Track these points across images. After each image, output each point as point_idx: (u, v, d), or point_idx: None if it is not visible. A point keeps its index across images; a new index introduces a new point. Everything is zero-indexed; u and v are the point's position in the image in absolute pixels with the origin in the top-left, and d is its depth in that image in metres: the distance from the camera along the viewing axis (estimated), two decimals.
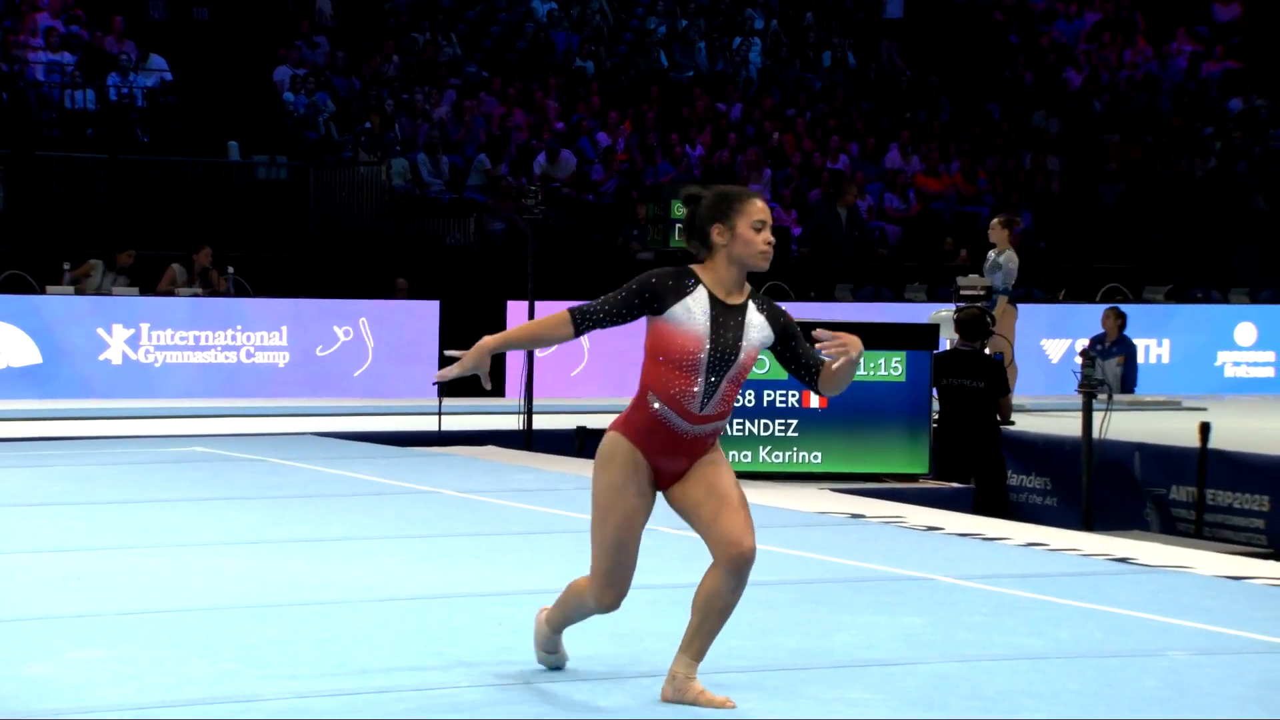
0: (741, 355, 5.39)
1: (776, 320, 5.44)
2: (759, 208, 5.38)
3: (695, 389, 5.39)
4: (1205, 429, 12.58)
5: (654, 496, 5.54)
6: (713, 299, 5.40)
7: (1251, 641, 6.68)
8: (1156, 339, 18.97)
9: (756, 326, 5.42)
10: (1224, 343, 19.23)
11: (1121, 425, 12.94)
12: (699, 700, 5.38)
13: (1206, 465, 12.49)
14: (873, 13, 25.32)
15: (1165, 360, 18.89)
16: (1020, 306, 16.00)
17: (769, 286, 19.17)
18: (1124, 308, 18.02)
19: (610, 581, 5.52)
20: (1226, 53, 25.52)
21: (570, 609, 5.68)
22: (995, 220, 16.04)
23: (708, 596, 5.41)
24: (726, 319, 5.39)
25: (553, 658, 5.84)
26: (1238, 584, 8.06)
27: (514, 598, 7.25)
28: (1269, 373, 19.19)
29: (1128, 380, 17.21)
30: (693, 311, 5.39)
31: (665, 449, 5.45)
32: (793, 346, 5.46)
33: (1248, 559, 9.65)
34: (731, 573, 5.37)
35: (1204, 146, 23.71)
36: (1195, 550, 9.86)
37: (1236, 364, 19.22)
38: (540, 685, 5.73)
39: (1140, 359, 18.17)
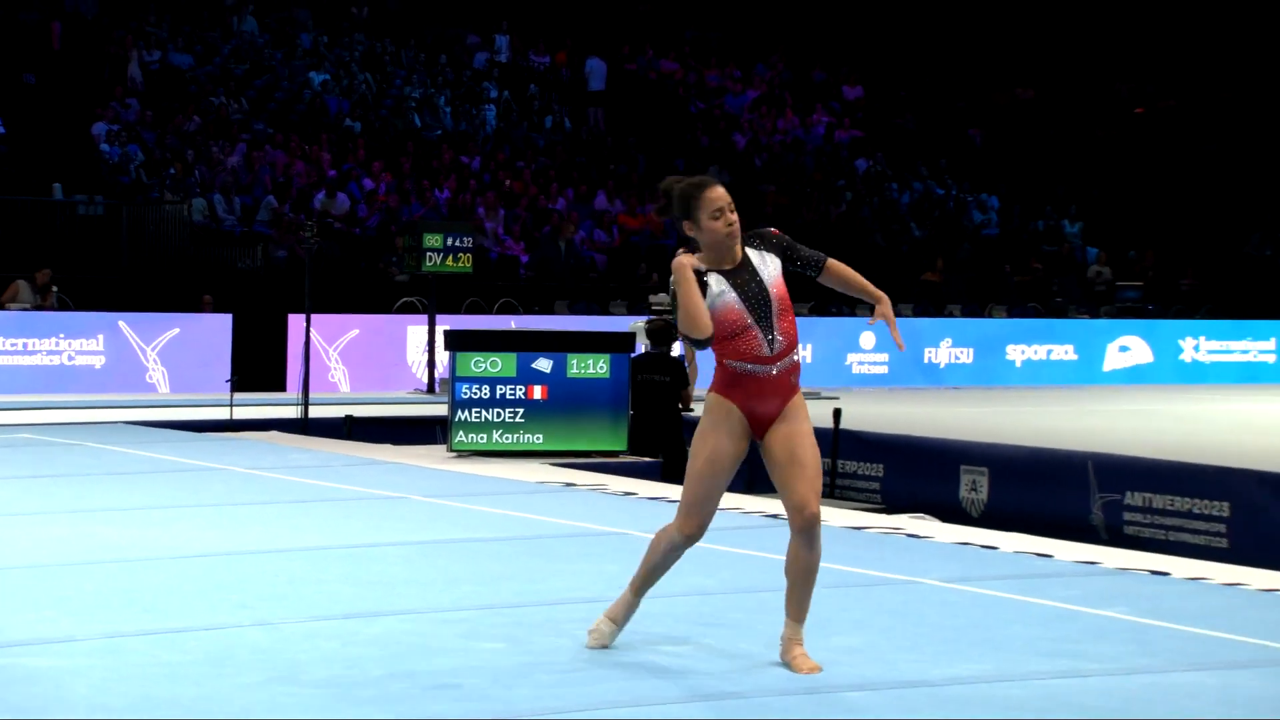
0: (772, 292, 5.05)
1: (773, 246, 5.12)
2: (713, 197, 5.05)
3: (758, 338, 5.04)
4: (838, 413, 12.87)
5: (746, 441, 5.11)
6: (722, 273, 5.08)
7: (868, 577, 6.82)
8: (802, 343, 19.29)
9: (765, 263, 5.08)
10: (852, 347, 19.71)
11: None
12: (792, 663, 5.02)
13: (839, 441, 12.78)
14: (581, 85, 25.40)
15: (809, 360, 19.30)
16: None
17: (502, 303, 19.11)
18: None
19: (692, 511, 5.14)
20: (853, 123, 26.20)
21: (654, 560, 5.25)
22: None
23: (791, 562, 5.11)
24: (741, 278, 5.07)
25: (611, 630, 5.28)
26: (858, 532, 8.25)
27: (290, 553, 7.11)
28: (884, 370, 19.73)
29: None
30: (718, 290, 5.08)
31: (754, 394, 5.04)
32: (793, 255, 5.12)
33: (868, 513, 9.89)
34: (802, 534, 5.07)
35: (837, 196, 24.28)
36: (829, 508, 10.05)
37: (861, 363, 19.72)
38: (316, 625, 5.61)
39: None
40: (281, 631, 5.47)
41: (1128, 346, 20.64)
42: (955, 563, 7.23)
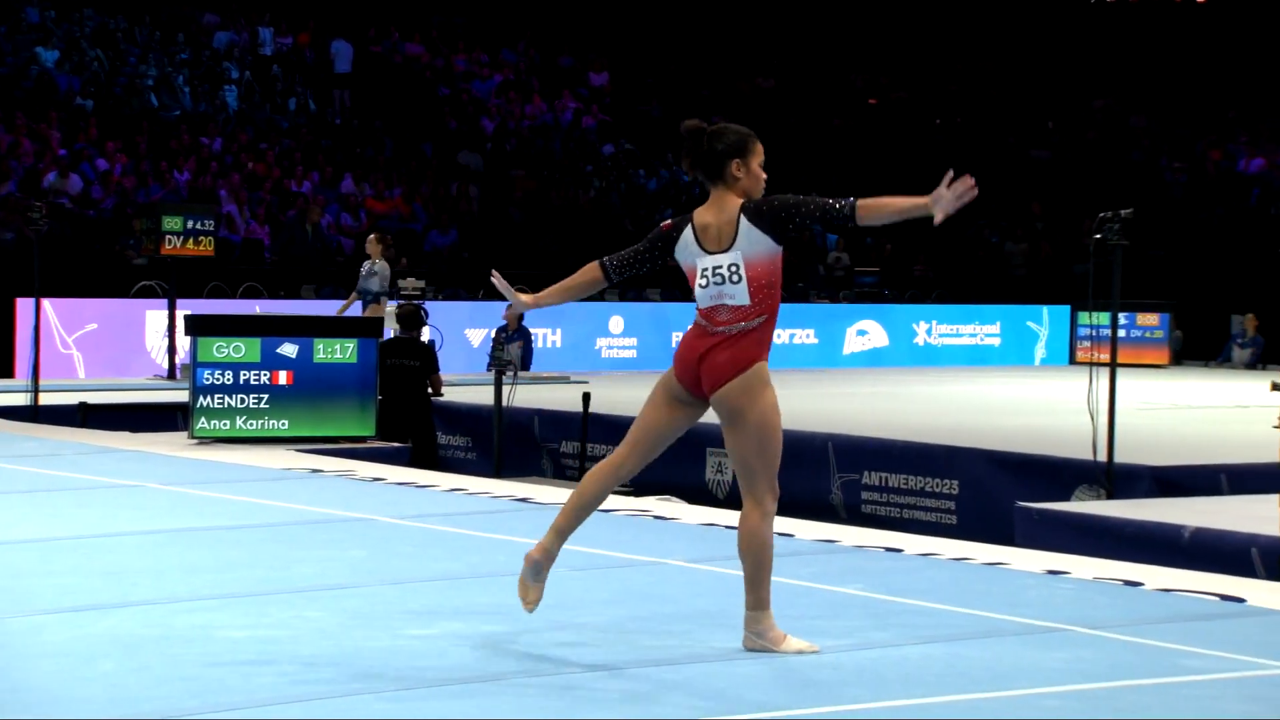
0: (727, 265, 4.95)
1: (763, 219, 4.96)
2: (761, 149, 5.09)
3: (703, 305, 5.02)
4: (587, 397, 12.93)
5: (686, 403, 5.21)
6: (695, 230, 5.03)
7: (614, 559, 6.89)
8: (551, 328, 19.39)
9: (746, 237, 4.95)
10: (601, 331, 19.83)
11: (524, 395, 13.18)
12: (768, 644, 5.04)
13: (588, 424, 12.85)
14: (327, 67, 24.95)
15: (558, 345, 19.36)
16: (449, 303, 16.07)
17: (246, 287, 18.66)
18: None
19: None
20: (600, 109, 26.36)
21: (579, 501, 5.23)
22: (372, 236, 15.99)
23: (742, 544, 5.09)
24: (710, 241, 5.00)
25: (536, 585, 5.15)
26: (605, 515, 8.29)
27: (15, 545, 6.82)
28: (633, 354, 19.92)
29: (526, 360, 17.56)
30: (687, 247, 5.04)
31: (684, 354, 5.11)
32: (797, 219, 4.95)
33: (617, 495, 9.94)
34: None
35: (586, 181, 24.39)
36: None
37: (610, 348, 19.87)
38: (43, 620, 5.38)
39: (537, 344, 18.57)
40: (4, 626, 5.24)
41: (865, 330, 21.26)
42: (700, 543, 7.35)
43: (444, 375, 13.84)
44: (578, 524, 5.22)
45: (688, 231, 5.08)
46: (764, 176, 5.10)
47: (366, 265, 15.47)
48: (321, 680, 4.63)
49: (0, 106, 20.97)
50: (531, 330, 18.05)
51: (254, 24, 24.90)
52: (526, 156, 24.58)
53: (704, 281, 5.04)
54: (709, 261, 5.03)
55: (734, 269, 4.99)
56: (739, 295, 4.98)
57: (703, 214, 5.09)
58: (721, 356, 5.02)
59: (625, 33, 28.41)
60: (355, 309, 15.78)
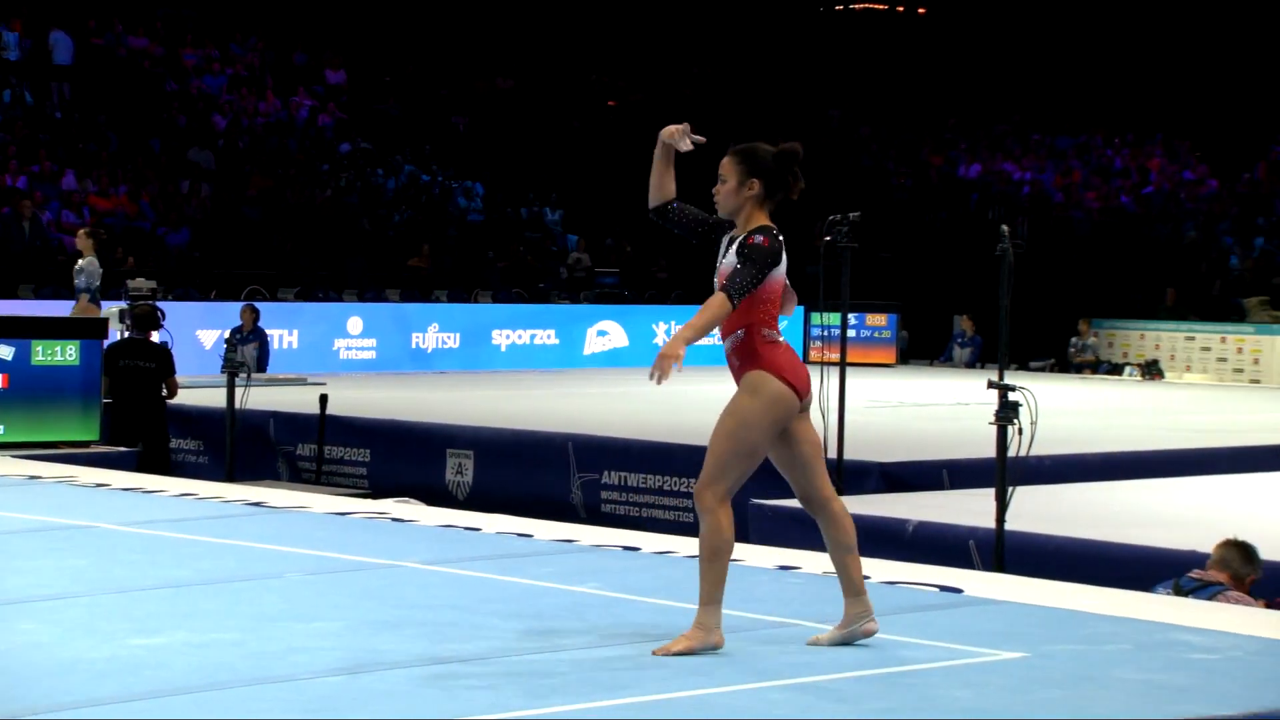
0: (716, 277, 5.09)
1: (740, 243, 5.11)
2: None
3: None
4: (324, 399, 12.74)
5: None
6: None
7: (350, 562, 6.79)
8: (288, 329, 19.04)
9: (727, 251, 5.13)
10: (339, 332, 19.54)
11: (260, 398, 12.92)
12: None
13: (325, 427, 12.66)
14: (44, 58, 23.96)
15: (295, 346, 19.01)
16: (180, 304, 15.65)
17: None
18: (261, 305, 17.99)
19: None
20: (337, 107, 25.96)
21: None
22: (81, 231, 15.51)
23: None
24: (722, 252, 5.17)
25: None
26: (342, 518, 8.19)
27: None
28: (372, 355, 19.68)
29: (262, 362, 17.22)
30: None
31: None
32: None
33: (354, 498, 9.84)
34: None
35: (323, 180, 24.00)
36: (315, 494, 9.96)
37: (349, 349, 19.59)
38: None
39: (275, 345, 18.21)
40: None
41: (606, 331, 21.44)
42: (438, 545, 7.30)
43: (176, 378, 13.45)
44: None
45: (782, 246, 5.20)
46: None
47: (80, 263, 14.96)
48: (30, 694, 4.45)
49: None
50: (268, 331, 17.69)
51: None
52: (260, 154, 24.05)
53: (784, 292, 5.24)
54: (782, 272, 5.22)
55: None
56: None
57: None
58: None
59: (362, 31, 28.06)
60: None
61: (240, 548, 7.05)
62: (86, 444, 11.11)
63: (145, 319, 12.77)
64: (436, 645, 5.17)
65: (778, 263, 5.10)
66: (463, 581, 6.37)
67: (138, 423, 12.21)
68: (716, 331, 5.20)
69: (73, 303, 15.67)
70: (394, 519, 8.16)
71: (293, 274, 21.41)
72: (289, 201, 23.17)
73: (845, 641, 5.17)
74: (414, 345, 19.94)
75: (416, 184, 24.89)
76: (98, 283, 14.82)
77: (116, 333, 13.13)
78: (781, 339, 5.17)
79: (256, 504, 8.59)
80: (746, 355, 5.09)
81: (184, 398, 13.95)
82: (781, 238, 5.13)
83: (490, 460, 11.89)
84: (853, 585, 5.19)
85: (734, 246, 5.11)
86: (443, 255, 23.11)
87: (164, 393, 12.65)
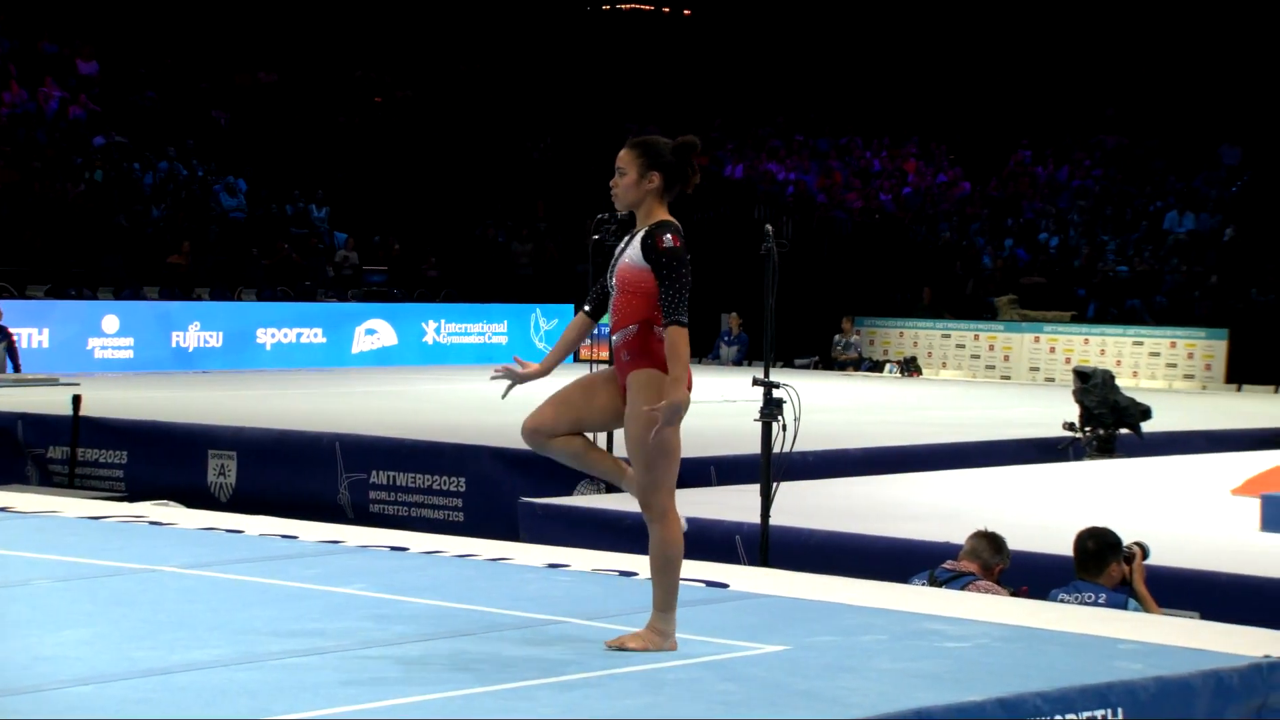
0: (615, 270, 5.05)
1: (647, 250, 5.00)
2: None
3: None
4: (77, 400, 12.34)
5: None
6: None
7: (103, 567, 6.59)
8: (38, 328, 18.38)
9: (631, 245, 5.05)
10: (94, 331, 18.95)
11: (8, 399, 12.44)
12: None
13: (79, 428, 12.26)
14: None
15: (46, 345, 18.34)
16: None
17: None
18: (9, 303, 17.33)
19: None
20: (90, 99, 25.12)
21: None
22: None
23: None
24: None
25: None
26: (96, 522, 7.94)
27: None
28: (129, 354, 19.11)
29: (15, 362, 16.60)
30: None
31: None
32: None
33: (110, 502, 9.55)
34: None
35: (77, 173, 23.19)
36: (67, 498, 9.62)
37: (104, 348, 19.00)
38: None
39: (23, 344, 17.56)
40: None
41: (374, 329, 21.21)
42: (198, 548, 7.12)
43: None
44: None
45: None
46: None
47: None
48: None
49: None
50: (12, 330, 17.03)
51: None
52: (5, 146, 23.12)
53: None
54: None
55: None
56: None
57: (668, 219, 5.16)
58: None
59: (115, 21, 27.20)
60: None
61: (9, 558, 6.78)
62: None
63: None
64: (194, 651, 5.04)
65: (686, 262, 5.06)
66: (224, 585, 6.23)
67: None
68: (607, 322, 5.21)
69: None
70: (152, 522, 7.93)
71: (43, 271, 20.66)
72: (38, 195, 22.33)
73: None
74: (175, 344, 19.43)
75: (176, 179, 24.24)
76: None
77: None
78: None
79: (3, 509, 8.26)
80: (639, 351, 5.04)
81: None
82: (684, 242, 5.07)
83: (254, 461, 11.65)
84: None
85: (636, 242, 5.06)
86: (204, 252, 22.56)
87: None
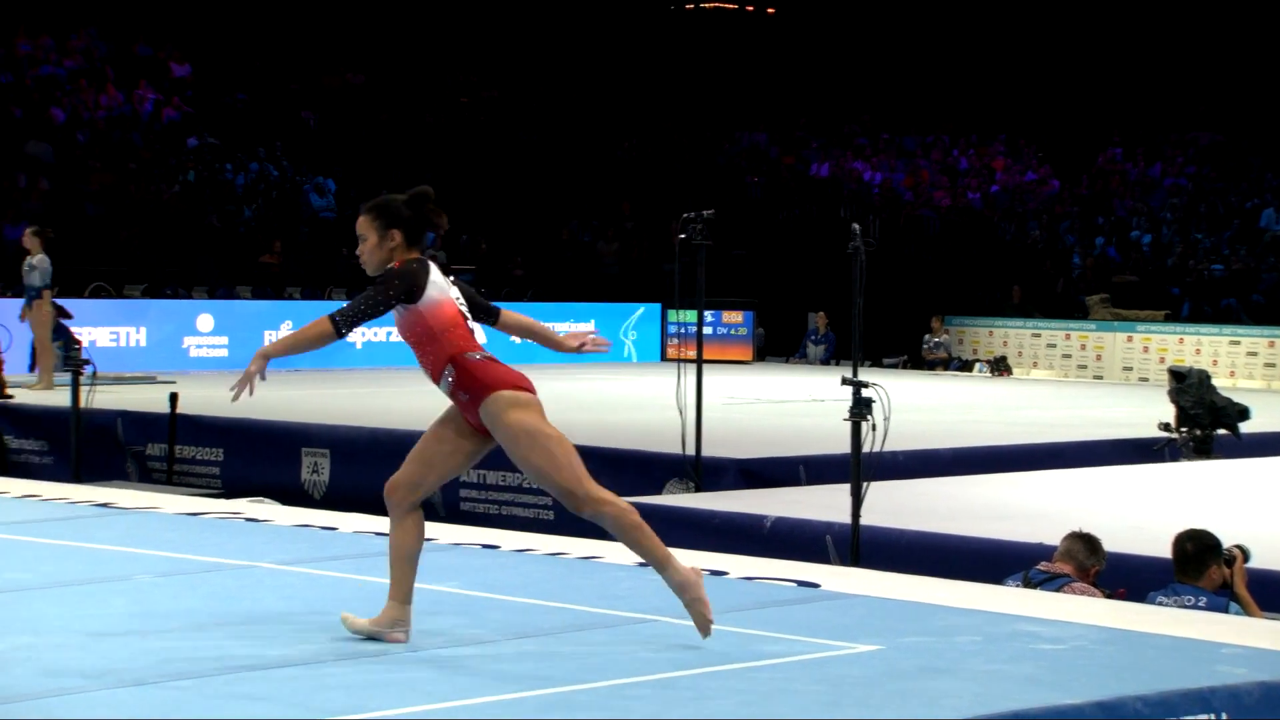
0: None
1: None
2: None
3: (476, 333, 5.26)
4: (174, 397, 12.52)
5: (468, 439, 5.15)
6: (438, 267, 5.17)
7: (202, 563, 6.69)
8: (135, 326, 18.67)
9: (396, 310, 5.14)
10: (189, 330, 19.22)
11: (108, 397, 12.66)
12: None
13: (176, 426, 12.44)
14: None
15: (143, 344, 18.64)
16: (18, 301, 15.26)
17: None
18: (107, 302, 17.63)
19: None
20: (183, 101, 25.49)
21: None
22: (29, 230, 15.20)
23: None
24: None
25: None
26: (195, 518, 8.06)
27: None
28: (224, 353, 19.37)
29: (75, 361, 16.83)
30: (438, 283, 5.07)
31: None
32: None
33: (206, 498, 9.69)
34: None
35: (171, 174, 23.54)
36: (165, 494, 9.78)
37: (199, 346, 19.27)
38: None
39: (120, 343, 17.86)
40: None
41: None
42: (294, 544, 7.21)
43: (15, 376, 13.13)
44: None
45: (434, 269, 5.13)
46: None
47: (29, 260, 14.59)
48: None
49: None
50: (114, 329, 17.33)
51: None
52: (104, 148, 23.52)
53: (466, 313, 5.19)
54: (456, 294, 5.18)
55: (464, 302, 5.23)
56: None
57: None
58: None
59: (207, 24, 27.58)
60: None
61: (87, 550, 6.91)
62: None
63: None
64: (291, 647, 5.10)
65: (412, 293, 5.03)
66: (319, 581, 6.30)
67: None
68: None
69: (20, 301, 15.13)
70: (248, 519, 8.04)
71: (140, 271, 20.99)
72: (134, 196, 22.69)
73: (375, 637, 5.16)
74: (267, 342, 19.65)
75: (266, 179, 24.54)
76: (49, 280, 14.54)
77: None
78: (493, 357, 5.18)
79: (104, 505, 8.41)
80: (470, 386, 5.08)
81: (26, 397, 13.62)
82: (422, 265, 5.06)
83: (347, 459, 11.76)
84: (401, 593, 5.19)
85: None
86: (295, 252, 22.81)
87: None
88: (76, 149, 23.37)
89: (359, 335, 20.42)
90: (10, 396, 13.24)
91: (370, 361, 20.20)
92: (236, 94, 26.43)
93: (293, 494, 11.34)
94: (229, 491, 11.16)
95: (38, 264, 14.67)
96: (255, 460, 12.16)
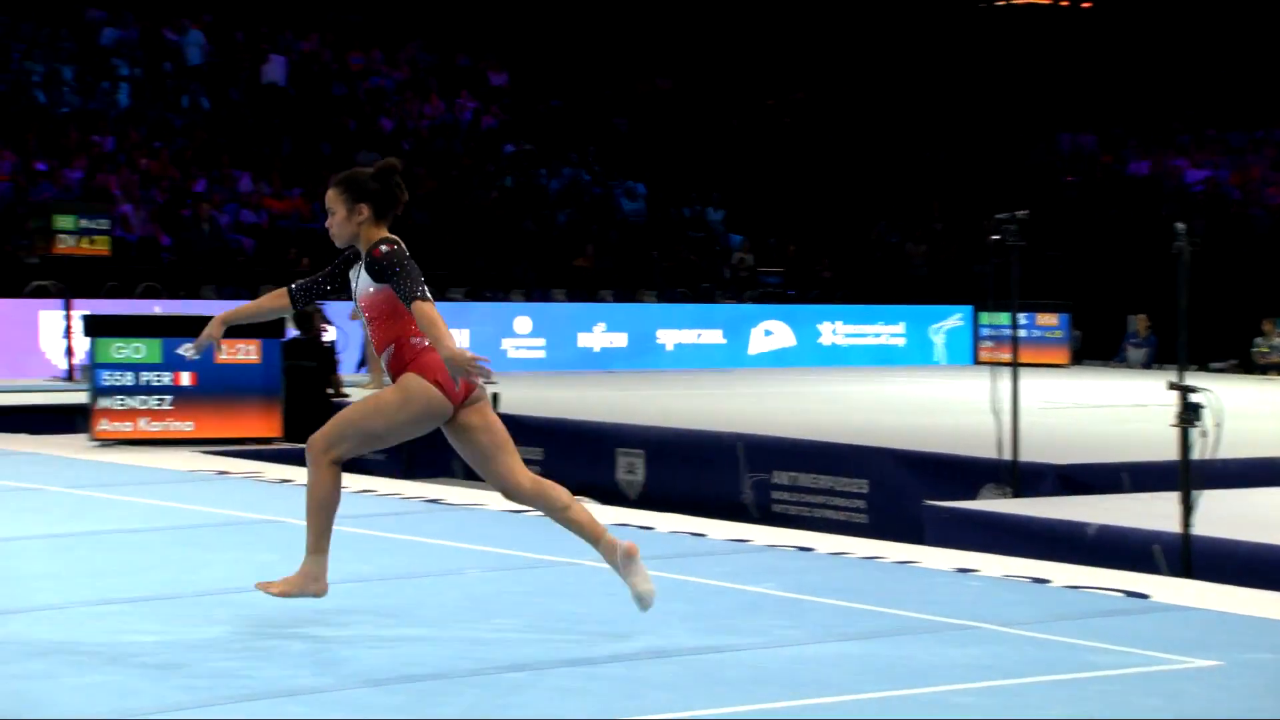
0: (357, 299, 5.28)
1: (373, 271, 5.22)
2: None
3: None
4: (495, 398, 12.90)
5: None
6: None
7: (528, 559, 6.88)
8: (458, 328, 19.31)
9: (362, 279, 5.27)
10: (507, 331, 19.80)
11: None
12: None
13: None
14: (227, 64, 24.63)
15: (465, 345, 19.26)
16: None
17: (145, 287, 18.40)
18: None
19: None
20: (500, 109, 26.29)
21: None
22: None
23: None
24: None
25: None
26: (518, 516, 8.29)
27: None
28: (541, 354, 19.89)
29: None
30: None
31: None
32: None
33: None
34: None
35: (489, 181, 24.31)
36: (488, 492, 10.06)
37: (517, 348, 19.83)
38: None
39: None
40: None
41: (771, 330, 21.40)
42: None
43: (347, 375, 13.75)
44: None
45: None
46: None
47: None
48: (231, 685, 4.59)
49: None
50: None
51: (148, 21, 24.54)
52: (427, 157, 24.45)
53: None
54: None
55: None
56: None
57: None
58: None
59: (523, 33, 28.37)
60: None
61: (418, 544, 7.19)
62: (269, 440, 11.40)
63: (304, 318, 13.11)
64: (616, 643, 5.21)
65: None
66: None
67: (309, 420, 12.49)
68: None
69: (240, 301, 16.06)
70: None
71: (461, 274, 21.73)
72: (456, 203, 23.51)
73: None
74: (580, 345, 20.11)
75: (578, 184, 25.10)
76: None
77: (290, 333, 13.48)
78: (427, 344, 5.21)
79: (433, 501, 8.74)
80: (400, 365, 5.23)
81: (358, 396, 14.24)
82: (400, 244, 5.20)
83: (661, 460, 11.93)
84: (591, 531, 5.40)
85: (363, 270, 5.25)
86: (607, 255, 23.27)
87: (329, 390, 12.94)
88: (402, 158, 24.36)
89: (669, 337, 20.68)
90: (345, 395, 13.87)
91: (678, 363, 20.45)
92: (551, 101, 27.12)
93: (608, 493, 11.56)
94: None
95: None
96: (572, 460, 12.44)
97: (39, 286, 17.38)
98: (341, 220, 5.27)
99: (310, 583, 5.28)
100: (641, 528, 7.87)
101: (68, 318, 15.96)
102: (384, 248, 5.19)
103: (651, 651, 5.10)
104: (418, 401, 5.19)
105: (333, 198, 5.29)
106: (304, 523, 5.30)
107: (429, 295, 5.15)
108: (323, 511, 5.31)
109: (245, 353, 11.43)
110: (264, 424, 11.48)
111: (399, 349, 5.23)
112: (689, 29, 29.91)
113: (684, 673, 4.86)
